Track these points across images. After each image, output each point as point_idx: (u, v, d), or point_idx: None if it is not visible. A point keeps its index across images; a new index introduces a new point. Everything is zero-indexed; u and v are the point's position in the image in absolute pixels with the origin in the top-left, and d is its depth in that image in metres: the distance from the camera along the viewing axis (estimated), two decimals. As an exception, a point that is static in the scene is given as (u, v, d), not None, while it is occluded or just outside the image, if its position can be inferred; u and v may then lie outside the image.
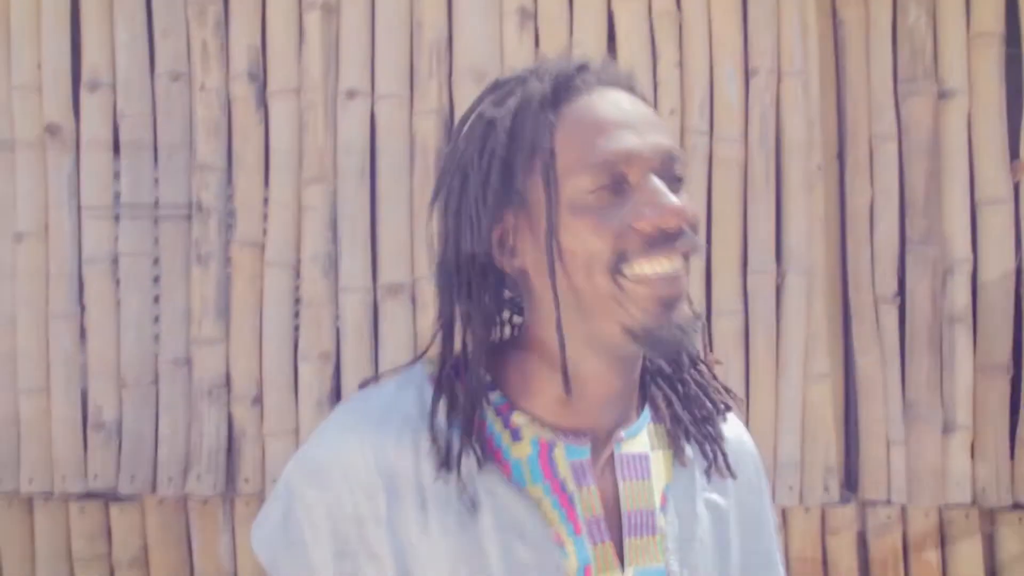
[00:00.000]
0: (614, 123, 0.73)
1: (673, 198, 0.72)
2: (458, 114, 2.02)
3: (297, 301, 2.07)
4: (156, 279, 2.08)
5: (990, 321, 2.04)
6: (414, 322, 2.03)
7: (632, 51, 2.04)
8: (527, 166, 0.74)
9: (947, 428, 2.05)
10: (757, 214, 2.04)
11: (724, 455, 0.84)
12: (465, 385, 0.77)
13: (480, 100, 0.80)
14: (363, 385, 0.83)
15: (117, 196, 2.08)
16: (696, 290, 2.02)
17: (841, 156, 2.12)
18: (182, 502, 2.09)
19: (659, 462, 0.82)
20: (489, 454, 0.76)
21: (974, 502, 2.05)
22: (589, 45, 2.02)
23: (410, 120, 2.05)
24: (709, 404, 0.85)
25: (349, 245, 2.03)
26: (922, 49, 2.06)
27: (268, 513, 0.79)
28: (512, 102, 0.77)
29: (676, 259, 0.73)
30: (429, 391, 0.78)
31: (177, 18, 2.08)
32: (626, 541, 0.77)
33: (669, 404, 0.84)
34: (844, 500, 2.08)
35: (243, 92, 2.05)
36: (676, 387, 0.86)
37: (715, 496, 0.84)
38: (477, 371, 0.76)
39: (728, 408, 0.88)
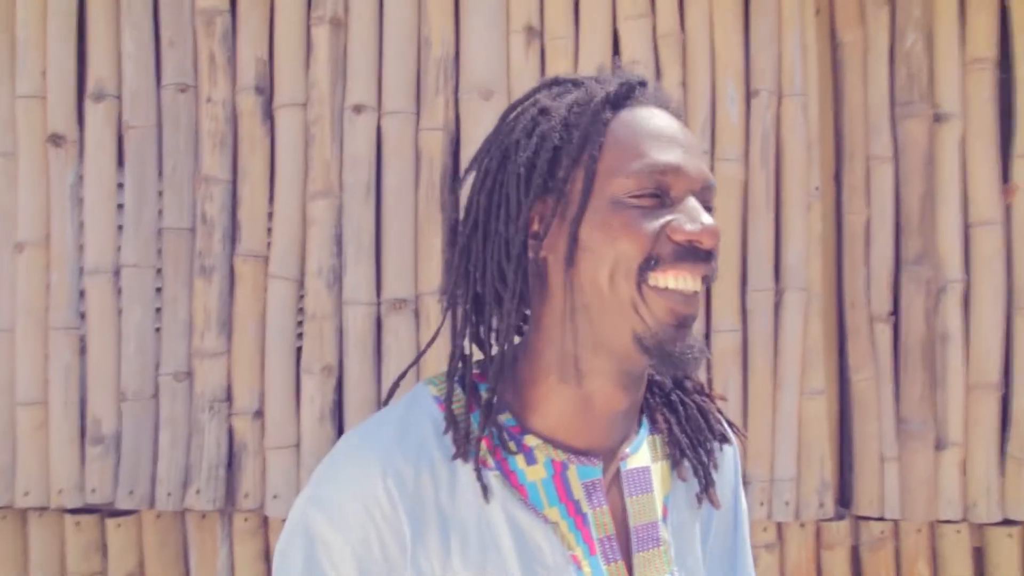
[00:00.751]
0: (668, 138, 0.76)
1: (711, 220, 0.74)
2: (464, 131, 2.04)
3: (300, 314, 2.07)
4: (158, 291, 2.08)
5: (982, 340, 2.09)
6: (417, 336, 2.03)
7: (636, 71, 2.07)
8: (576, 157, 0.76)
9: (939, 445, 2.09)
10: (757, 233, 2.07)
11: (712, 484, 0.86)
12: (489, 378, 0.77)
13: (534, 92, 0.82)
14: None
15: (120, 207, 2.07)
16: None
17: (838, 176, 2.16)
18: (180, 517, 2.08)
19: (659, 473, 0.83)
20: (505, 477, 0.75)
21: (964, 518, 2.09)
22: (595, 64, 2.04)
23: (416, 136, 2.06)
24: (707, 431, 0.87)
25: (354, 259, 2.03)
26: (918, 73, 2.11)
27: (288, 558, 0.74)
28: (571, 97, 0.79)
29: (698, 279, 0.74)
30: (437, 411, 0.78)
31: (184, 29, 2.08)
32: (635, 557, 0.78)
33: (668, 423, 0.86)
34: (838, 516, 2.12)
35: (249, 105, 2.06)
36: (676, 408, 0.87)
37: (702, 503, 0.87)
38: (508, 333, 0.77)
39: (726, 440, 0.90)
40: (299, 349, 2.05)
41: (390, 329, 2.03)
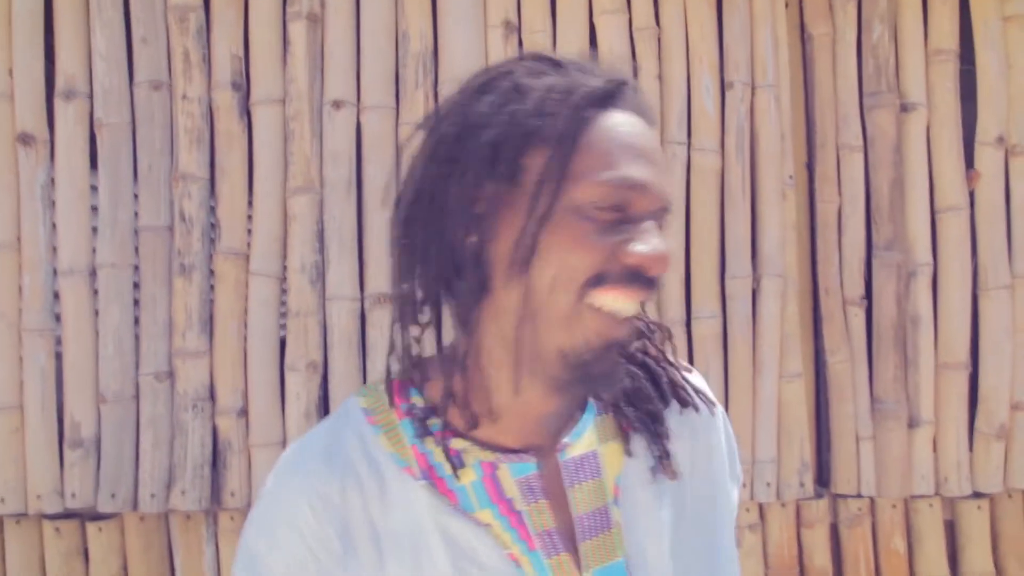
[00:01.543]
0: (640, 151, 0.72)
1: (664, 247, 0.71)
2: (445, 124, 2.04)
3: (283, 310, 2.05)
4: (135, 286, 2.04)
5: (950, 322, 2.17)
6: (402, 331, 2.03)
7: (613, 64, 2.09)
8: (541, 147, 0.71)
9: (912, 423, 2.16)
10: (734, 221, 2.11)
11: (668, 455, 0.82)
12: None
13: (510, 63, 0.77)
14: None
15: (95, 208, 2.04)
16: (676, 295, 2.08)
17: (810, 165, 2.22)
18: (163, 518, 2.05)
19: (609, 454, 0.81)
20: (433, 485, 0.75)
21: (937, 492, 2.17)
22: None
23: (396, 130, 2.06)
24: (658, 400, 0.83)
25: (336, 255, 2.03)
26: (885, 64, 2.17)
27: None
28: (549, 81, 0.74)
29: (637, 303, 0.73)
30: (366, 425, 0.78)
31: (157, 26, 2.05)
32: (581, 547, 0.77)
33: (614, 400, 0.82)
34: (817, 495, 2.17)
35: (226, 101, 2.03)
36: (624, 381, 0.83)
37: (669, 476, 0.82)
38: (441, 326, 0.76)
39: (687, 405, 0.85)
40: (283, 346, 2.04)
41: (374, 324, 2.03)
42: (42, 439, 1.99)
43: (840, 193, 2.18)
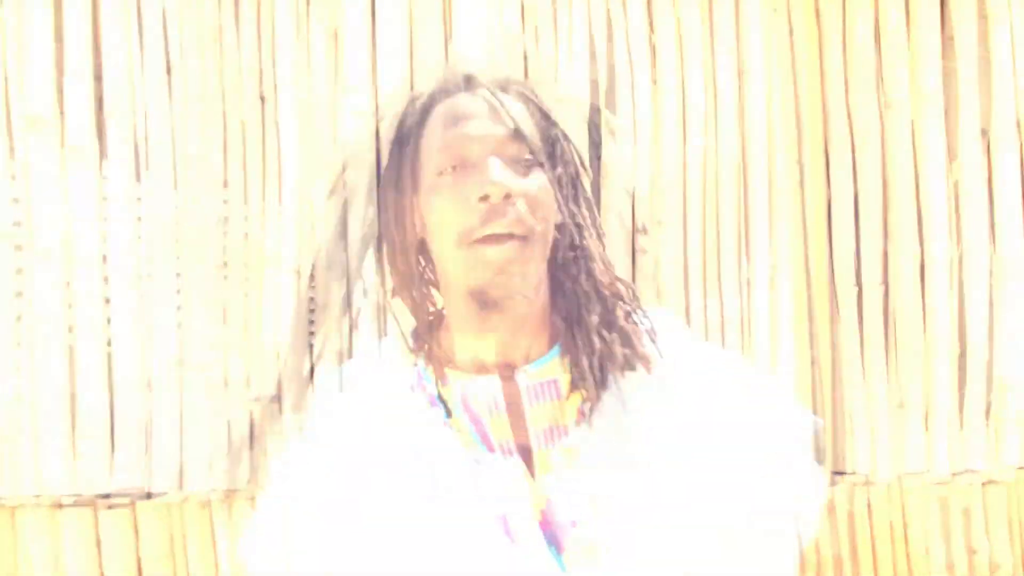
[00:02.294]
0: (460, 115, 0.88)
1: (496, 174, 0.83)
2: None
3: (311, 301, 2.21)
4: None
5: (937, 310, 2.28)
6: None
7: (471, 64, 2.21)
8: (406, 143, 0.91)
9: (903, 404, 2.27)
10: (725, 216, 2.26)
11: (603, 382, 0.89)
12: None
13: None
14: None
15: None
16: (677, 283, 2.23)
17: (800, 159, 2.35)
18: (178, 507, 2.15)
19: (571, 384, 0.90)
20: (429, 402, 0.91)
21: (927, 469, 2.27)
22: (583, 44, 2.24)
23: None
24: (622, 360, 0.90)
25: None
26: (869, 61, 2.30)
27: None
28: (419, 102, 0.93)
29: (509, 224, 0.84)
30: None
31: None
32: (536, 455, 0.88)
33: (576, 349, 0.90)
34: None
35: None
36: (594, 335, 0.90)
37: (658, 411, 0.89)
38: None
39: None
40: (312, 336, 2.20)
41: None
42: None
43: (828, 187, 2.31)
